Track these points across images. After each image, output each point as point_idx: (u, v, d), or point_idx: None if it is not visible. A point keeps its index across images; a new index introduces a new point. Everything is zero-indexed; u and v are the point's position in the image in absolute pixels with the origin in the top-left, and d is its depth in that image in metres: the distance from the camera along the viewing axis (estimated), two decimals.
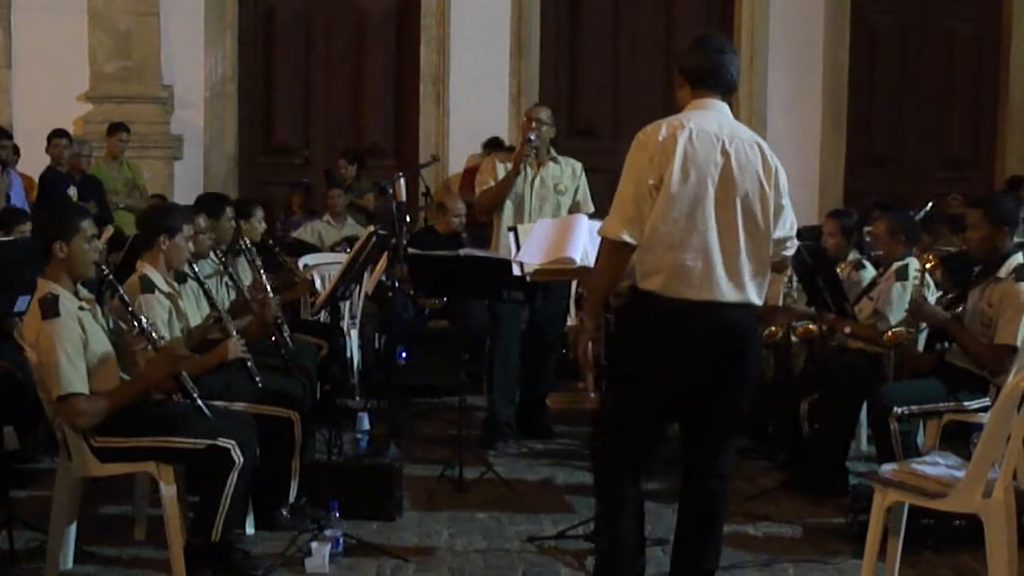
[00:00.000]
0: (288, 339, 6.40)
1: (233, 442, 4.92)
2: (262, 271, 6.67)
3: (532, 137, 7.39)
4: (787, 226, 4.55)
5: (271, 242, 7.77)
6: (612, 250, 4.40)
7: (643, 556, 4.77)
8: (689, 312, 4.33)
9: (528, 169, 7.46)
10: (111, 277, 5.06)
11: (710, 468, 4.56)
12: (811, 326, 6.86)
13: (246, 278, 6.78)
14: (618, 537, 4.59)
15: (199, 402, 5.02)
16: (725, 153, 4.37)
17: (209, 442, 4.91)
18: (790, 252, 4.64)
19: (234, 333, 5.61)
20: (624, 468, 4.58)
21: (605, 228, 4.41)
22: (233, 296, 6.49)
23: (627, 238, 4.33)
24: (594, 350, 4.58)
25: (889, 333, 6.23)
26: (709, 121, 4.42)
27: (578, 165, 7.68)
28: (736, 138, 4.43)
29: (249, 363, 5.62)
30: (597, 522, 4.91)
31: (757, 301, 4.43)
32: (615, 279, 4.49)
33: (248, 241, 6.88)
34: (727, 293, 4.34)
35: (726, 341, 4.39)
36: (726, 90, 4.56)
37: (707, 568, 4.62)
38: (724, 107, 4.53)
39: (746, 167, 4.39)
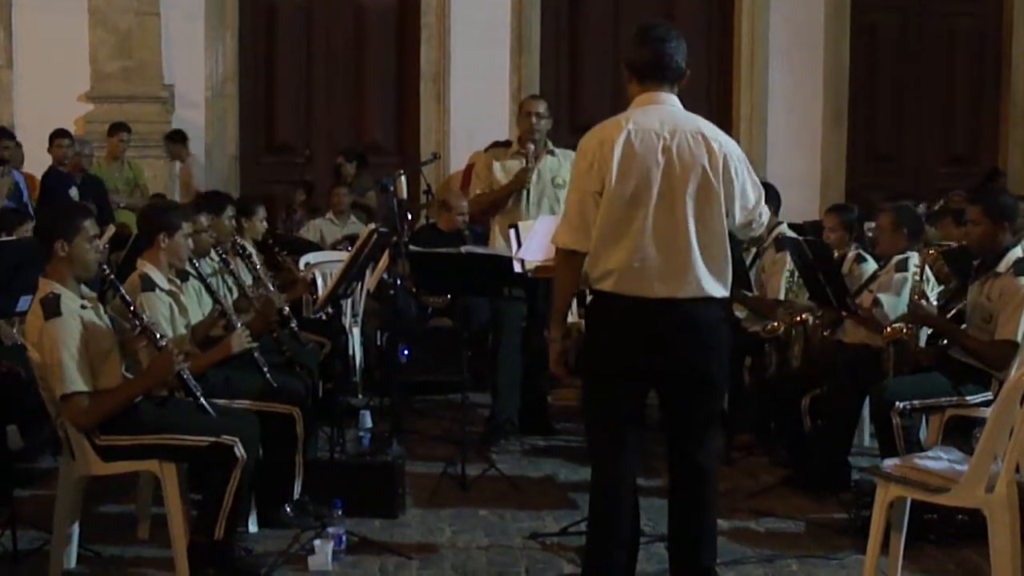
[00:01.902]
0: (296, 333, 6.43)
1: (236, 439, 4.92)
2: (259, 268, 6.70)
3: (534, 139, 7.36)
4: (749, 207, 4.53)
5: (271, 241, 7.78)
6: (563, 258, 4.56)
7: (636, 551, 4.76)
8: (644, 309, 4.40)
9: (525, 163, 7.42)
10: (112, 277, 5.06)
11: (692, 460, 4.59)
12: (805, 315, 6.86)
13: (246, 277, 6.79)
14: (601, 533, 4.65)
15: (201, 400, 5.03)
16: (667, 150, 4.39)
17: (212, 439, 4.91)
18: (758, 232, 4.68)
19: (239, 325, 5.61)
20: (606, 460, 4.63)
21: (554, 238, 4.57)
22: (235, 294, 6.49)
23: (574, 246, 4.47)
24: (564, 356, 4.69)
25: (888, 329, 6.22)
26: (650, 118, 4.45)
27: None
28: (678, 131, 4.42)
29: (256, 355, 5.62)
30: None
31: (718, 293, 4.46)
32: (572, 285, 4.64)
33: (241, 242, 6.90)
34: (681, 288, 4.39)
35: (683, 337, 4.43)
36: (673, 79, 4.54)
37: (704, 564, 4.63)
38: (670, 98, 4.53)
39: (690, 161, 4.39)
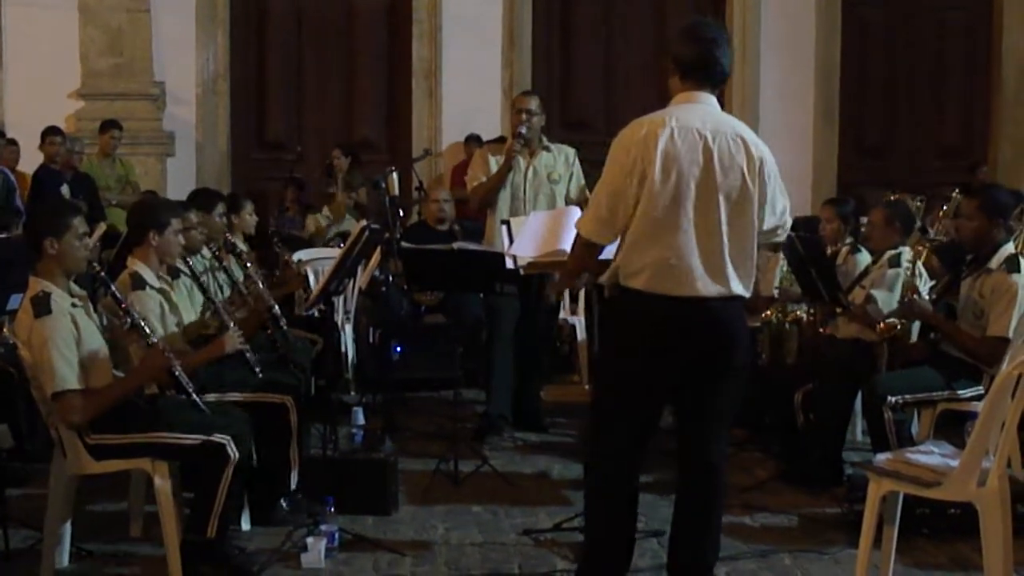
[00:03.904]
0: (286, 332, 6.42)
1: (228, 437, 4.91)
2: (248, 264, 6.70)
3: (523, 131, 7.36)
4: (777, 214, 4.55)
5: (271, 231, 7.77)
6: (582, 246, 4.56)
7: (632, 551, 4.76)
8: (673, 308, 4.37)
9: (520, 160, 7.44)
10: (103, 274, 5.05)
11: (704, 458, 4.57)
12: (799, 312, 6.87)
13: (238, 273, 6.79)
14: (604, 528, 4.65)
15: (194, 397, 5.02)
16: (708, 150, 4.35)
17: (203, 438, 4.90)
18: (782, 237, 4.68)
19: (231, 325, 5.60)
20: (612, 459, 4.61)
21: (579, 224, 4.54)
22: (227, 291, 6.49)
23: (596, 239, 4.49)
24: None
25: (882, 325, 6.23)
26: (692, 117, 4.40)
27: (571, 152, 7.64)
28: (719, 133, 4.40)
29: (248, 355, 5.62)
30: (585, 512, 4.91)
31: (744, 292, 4.45)
32: (583, 269, 4.74)
33: (232, 239, 6.90)
34: (711, 288, 4.37)
35: (711, 335, 4.42)
36: (716, 83, 4.52)
37: (707, 562, 4.63)
38: (711, 99, 4.50)
39: (729, 163, 4.37)
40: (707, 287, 4.36)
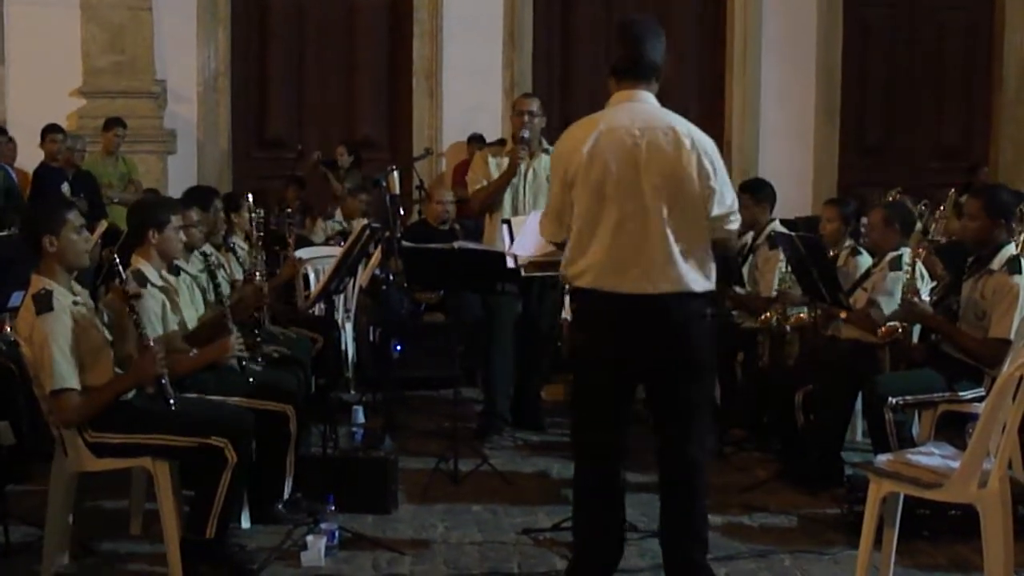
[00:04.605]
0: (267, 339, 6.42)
1: (226, 440, 4.90)
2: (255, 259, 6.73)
3: (525, 135, 7.36)
4: (726, 203, 4.52)
5: (286, 213, 7.77)
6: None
7: (622, 546, 4.77)
8: (621, 305, 4.45)
9: (521, 166, 7.43)
10: (116, 261, 5.01)
11: (679, 454, 4.60)
12: (803, 315, 6.86)
13: (237, 271, 6.80)
14: (587, 525, 4.69)
15: (172, 407, 4.93)
16: (637, 148, 4.42)
17: (201, 441, 4.90)
18: (734, 226, 4.60)
19: (234, 330, 5.59)
20: (591, 455, 4.67)
21: (540, 227, 4.85)
22: (227, 290, 6.48)
23: (552, 239, 4.78)
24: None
25: (883, 328, 6.22)
26: (622, 117, 4.50)
27: None
28: (649, 129, 4.45)
29: (244, 363, 5.61)
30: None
31: (701, 288, 4.48)
32: None
33: (232, 240, 6.90)
34: (658, 286, 4.42)
35: (661, 332, 4.47)
36: (649, 77, 4.58)
37: (693, 558, 4.63)
38: (646, 96, 4.56)
39: (660, 157, 4.42)
40: (654, 284, 4.42)
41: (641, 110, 4.52)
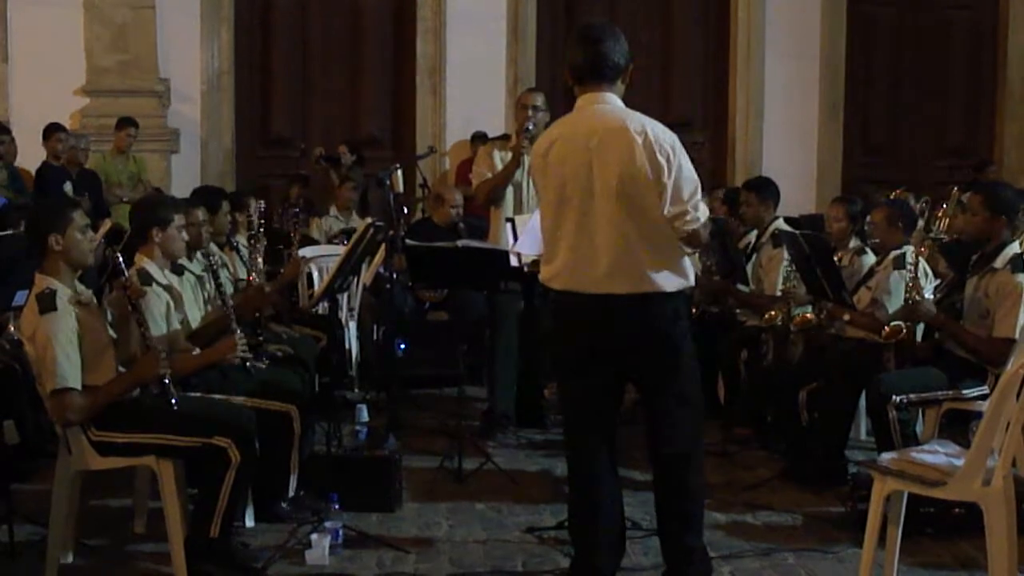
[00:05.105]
0: (269, 341, 6.42)
1: (229, 440, 4.89)
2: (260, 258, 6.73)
3: (529, 127, 7.36)
4: (684, 199, 4.42)
5: (292, 212, 7.79)
6: None
7: (622, 540, 4.78)
8: (589, 306, 4.50)
9: (525, 157, 7.43)
10: (120, 258, 5.01)
11: (664, 450, 4.63)
12: (808, 315, 6.85)
13: (241, 271, 6.80)
14: (579, 520, 4.74)
15: (174, 407, 4.94)
16: (589, 151, 4.44)
17: (204, 440, 4.90)
18: (693, 225, 4.45)
19: (238, 331, 5.59)
20: (573, 450, 4.74)
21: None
22: (231, 289, 6.49)
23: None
24: None
25: (887, 328, 6.20)
26: (578, 122, 4.56)
27: None
28: (604, 131, 4.46)
29: (248, 364, 5.62)
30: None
31: (673, 287, 4.49)
32: None
33: (236, 239, 6.90)
34: (622, 284, 4.44)
35: (627, 332, 4.49)
36: (611, 78, 4.59)
37: (688, 545, 4.65)
38: (609, 97, 4.58)
39: (613, 158, 4.42)
40: (620, 285, 4.44)
41: (601, 112, 4.53)
